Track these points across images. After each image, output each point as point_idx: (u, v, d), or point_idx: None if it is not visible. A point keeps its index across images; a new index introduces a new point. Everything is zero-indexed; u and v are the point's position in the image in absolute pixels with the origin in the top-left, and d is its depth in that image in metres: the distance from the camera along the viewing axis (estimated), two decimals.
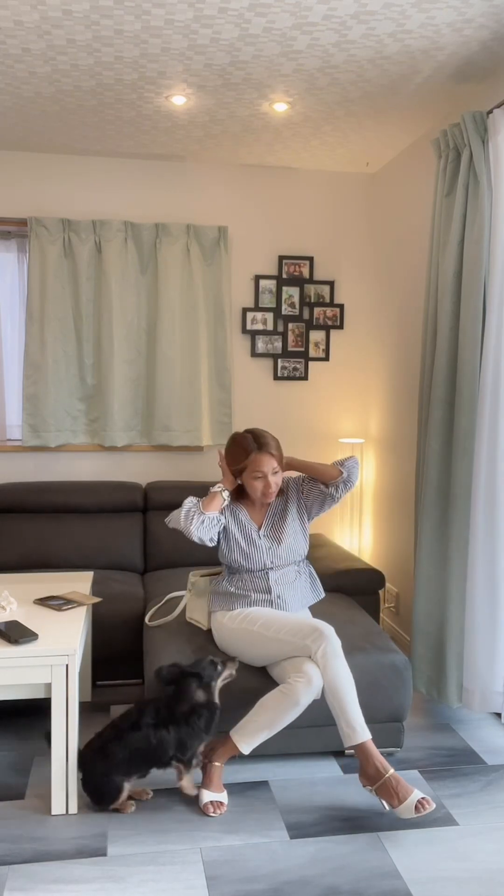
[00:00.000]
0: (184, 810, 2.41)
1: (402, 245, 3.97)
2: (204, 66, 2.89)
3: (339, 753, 2.75)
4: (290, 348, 4.30)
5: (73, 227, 3.97)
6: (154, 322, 4.09)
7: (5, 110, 3.37)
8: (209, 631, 2.83)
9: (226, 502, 2.72)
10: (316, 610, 2.92)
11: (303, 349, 4.31)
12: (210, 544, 2.72)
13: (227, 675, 2.49)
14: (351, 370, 4.41)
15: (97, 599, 2.90)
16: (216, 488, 2.72)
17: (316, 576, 2.90)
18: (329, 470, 2.76)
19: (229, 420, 4.18)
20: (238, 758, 2.49)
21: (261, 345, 4.27)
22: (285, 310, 4.28)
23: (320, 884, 2.07)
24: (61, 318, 4.00)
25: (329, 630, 2.46)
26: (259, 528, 2.79)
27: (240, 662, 2.57)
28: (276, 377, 4.31)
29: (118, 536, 3.82)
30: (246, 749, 2.43)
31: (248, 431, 2.75)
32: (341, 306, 4.34)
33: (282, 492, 2.85)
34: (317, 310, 4.31)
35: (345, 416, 4.44)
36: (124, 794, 2.37)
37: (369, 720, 2.45)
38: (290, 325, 4.29)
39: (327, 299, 4.32)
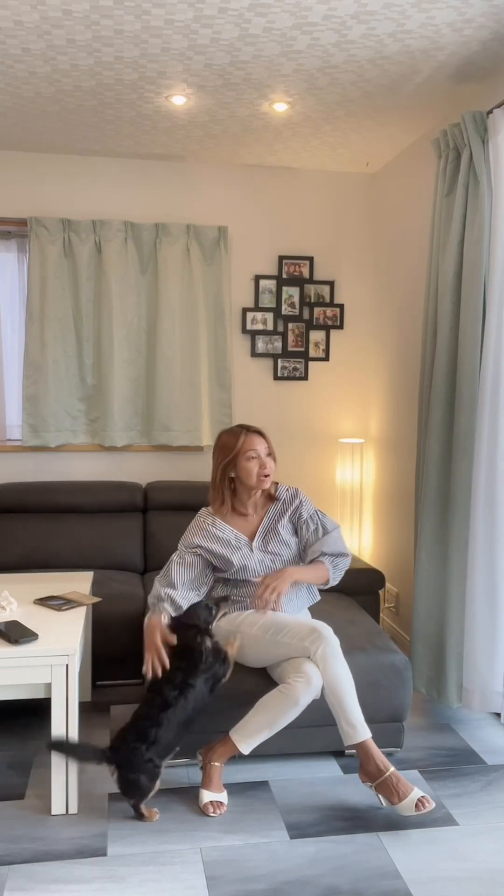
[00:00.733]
0: (184, 810, 2.41)
1: (402, 245, 3.97)
2: (204, 66, 2.89)
3: (339, 753, 2.75)
4: (290, 348, 4.30)
5: (73, 227, 3.97)
6: (154, 322, 4.09)
7: (5, 110, 3.37)
8: None
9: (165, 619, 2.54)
10: (316, 610, 2.92)
11: (303, 349, 4.31)
12: (209, 583, 2.71)
13: (221, 614, 2.54)
14: (351, 370, 4.41)
15: (97, 599, 2.90)
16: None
17: None
18: (321, 574, 2.67)
19: (229, 420, 4.18)
20: (238, 758, 2.49)
21: (261, 345, 4.27)
22: (285, 310, 4.28)
23: (320, 884, 2.07)
24: (61, 318, 4.00)
25: (327, 631, 2.46)
26: (251, 541, 2.71)
27: (224, 668, 2.53)
28: (276, 377, 4.31)
29: (118, 536, 3.82)
30: (246, 749, 2.43)
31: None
32: (341, 306, 4.34)
33: (273, 496, 2.77)
34: (317, 310, 4.31)
35: (345, 416, 4.44)
36: (159, 781, 2.37)
37: (369, 720, 2.45)
38: (290, 325, 4.29)
39: (327, 299, 4.32)
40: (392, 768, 2.35)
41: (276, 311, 4.27)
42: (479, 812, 2.42)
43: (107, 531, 3.81)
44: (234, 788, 2.53)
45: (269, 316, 4.27)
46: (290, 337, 4.30)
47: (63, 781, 2.37)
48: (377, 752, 2.38)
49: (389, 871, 2.13)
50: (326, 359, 4.35)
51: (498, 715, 3.06)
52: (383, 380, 4.23)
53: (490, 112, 2.79)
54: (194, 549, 2.68)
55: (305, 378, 4.34)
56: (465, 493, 2.87)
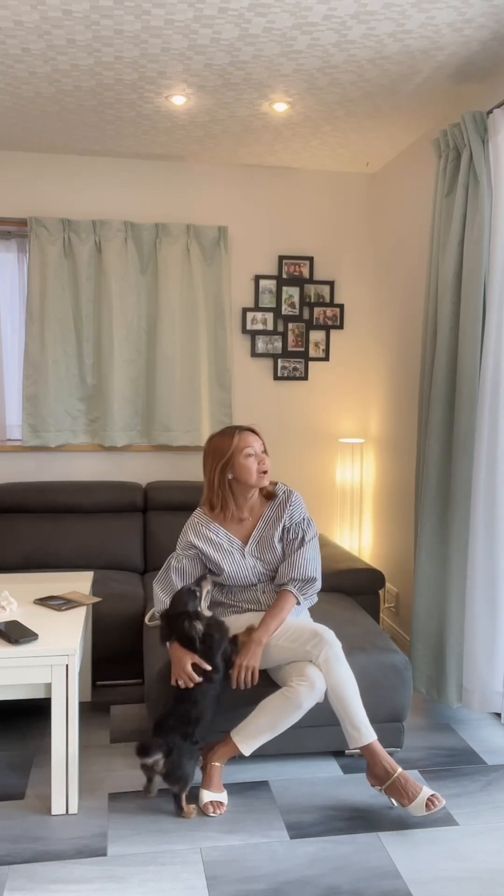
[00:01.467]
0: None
1: (402, 245, 3.97)
2: (204, 66, 2.89)
3: (339, 753, 2.75)
4: (290, 348, 4.30)
5: (73, 227, 3.97)
6: (154, 322, 4.09)
7: (5, 110, 3.37)
8: None
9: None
10: (316, 610, 2.92)
11: (303, 349, 4.31)
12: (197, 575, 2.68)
13: (206, 592, 2.55)
14: (351, 370, 4.41)
15: (97, 599, 2.90)
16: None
17: None
18: (288, 609, 2.60)
19: (229, 420, 4.18)
20: (238, 758, 2.49)
21: (261, 345, 4.27)
22: (285, 310, 4.28)
23: (320, 884, 2.07)
24: (61, 318, 4.00)
25: (329, 634, 2.46)
26: (245, 546, 2.69)
27: (232, 647, 2.53)
28: (276, 377, 4.31)
29: (118, 536, 3.82)
30: (247, 750, 2.43)
31: None
32: (341, 306, 4.34)
33: (271, 495, 2.74)
34: (317, 310, 4.31)
35: (345, 416, 4.44)
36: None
37: (369, 720, 2.45)
38: (290, 325, 4.29)
39: (327, 299, 4.32)
40: (399, 769, 2.35)
41: (276, 311, 4.27)
42: (479, 812, 2.42)
43: (107, 531, 3.81)
44: (234, 788, 2.53)
45: (269, 316, 4.27)
46: (290, 337, 4.30)
47: (63, 781, 2.37)
48: (384, 754, 2.38)
49: (389, 871, 2.13)
50: (326, 359, 4.35)
51: (498, 715, 3.06)
52: (383, 380, 4.23)
53: (490, 112, 2.79)
54: (190, 549, 2.68)
55: (305, 378, 4.34)
56: (465, 493, 2.87)
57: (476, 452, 2.86)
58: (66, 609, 2.72)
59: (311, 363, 4.36)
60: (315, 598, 2.81)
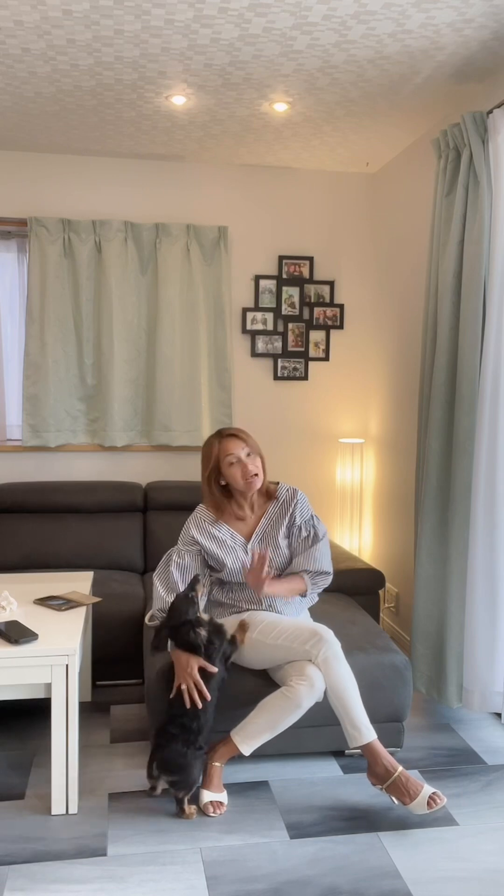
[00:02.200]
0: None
1: (402, 245, 3.97)
2: (204, 66, 2.89)
3: (339, 753, 2.75)
4: (290, 348, 4.30)
5: (73, 227, 3.97)
6: (154, 322, 4.09)
7: (5, 110, 3.37)
8: None
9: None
10: (316, 610, 2.92)
11: (303, 349, 4.31)
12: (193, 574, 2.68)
13: (201, 594, 2.56)
14: (351, 370, 4.41)
15: (97, 599, 2.90)
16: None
17: None
18: (297, 587, 2.65)
19: (229, 420, 4.18)
20: (238, 758, 2.49)
21: (261, 345, 4.27)
22: (285, 310, 4.28)
23: (320, 884, 2.07)
24: (61, 318, 4.00)
25: (329, 634, 2.46)
26: (248, 542, 2.70)
27: (232, 647, 2.54)
28: (276, 377, 4.31)
29: (118, 536, 3.82)
30: (247, 750, 2.43)
31: None
32: (341, 306, 4.34)
33: (272, 494, 2.74)
34: (317, 310, 4.31)
35: (345, 416, 4.44)
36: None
37: (370, 720, 2.45)
38: (290, 325, 4.29)
39: (327, 299, 4.32)
40: (400, 768, 2.35)
41: (276, 311, 4.27)
42: (479, 812, 2.42)
43: (107, 531, 3.81)
44: (234, 788, 2.53)
45: (269, 316, 4.27)
46: (290, 337, 4.30)
47: (63, 781, 2.37)
48: (384, 753, 2.37)
49: (389, 871, 2.13)
50: (326, 359, 4.35)
51: (498, 715, 3.06)
52: (383, 380, 4.23)
53: (490, 112, 2.79)
54: (193, 545, 2.68)
55: (305, 378, 4.34)
56: (465, 493, 2.87)
57: (476, 452, 2.86)
58: (66, 609, 2.72)
59: (311, 363, 4.36)
60: (315, 598, 2.81)
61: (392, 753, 2.47)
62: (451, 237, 2.93)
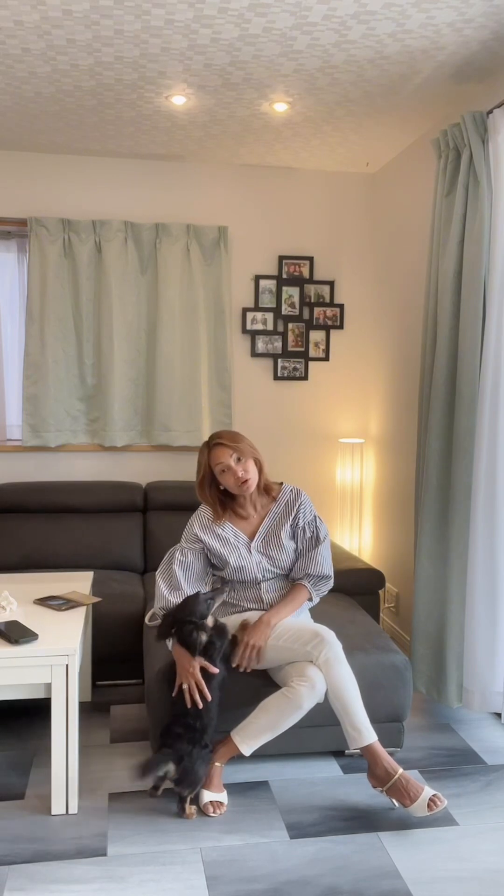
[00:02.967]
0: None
1: (402, 245, 3.97)
2: (204, 66, 2.89)
3: (339, 753, 2.75)
4: (290, 348, 4.30)
5: (73, 227, 3.97)
6: (154, 322, 4.09)
7: (5, 110, 3.37)
8: None
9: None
10: (316, 610, 2.92)
11: (303, 349, 4.31)
12: (209, 580, 2.71)
13: (217, 605, 2.56)
14: (351, 370, 4.41)
15: (97, 599, 2.90)
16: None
17: None
18: (301, 601, 2.66)
19: (229, 420, 4.18)
20: (238, 758, 2.49)
21: (261, 345, 4.27)
22: (285, 310, 4.28)
23: (320, 884, 2.07)
24: (61, 318, 4.00)
25: (330, 635, 2.46)
26: (251, 541, 2.69)
27: (233, 647, 2.54)
28: (276, 377, 4.31)
29: (118, 536, 3.81)
30: (247, 751, 2.43)
31: None
32: (341, 306, 4.34)
33: (276, 494, 2.74)
34: (317, 310, 4.31)
35: (345, 416, 4.44)
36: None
37: (370, 720, 2.45)
38: (290, 325, 4.29)
39: (327, 299, 4.32)
40: (400, 770, 2.35)
41: (276, 311, 4.27)
42: (479, 812, 2.42)
43: (107, 531, 3.81)
44: (234, 788, 2.53)
45: (269, 316, 4.27)
46: (290, 337, 4.30)
47: (63, 781, 2.37)
48: (384, 755, 2.37)
49: (389, 871, 2.13)
50: (326, 359, 4.35)
51: (498, 715, 3.06)
52: (383, 380, 4.23)
53: (490, 112, 2.80)
54: (196, 542, 2.68)
55: (305, 378, 4.34)
56: (465, 493, 2.87)
57: (476, 452, 2.86)
58: (66, 609, 2.72)
59: (311, 363, 4.36)
60: (316, 599, 2.81)
61: (392, 753, 2.47)
62: (451, 237, 2.93)
